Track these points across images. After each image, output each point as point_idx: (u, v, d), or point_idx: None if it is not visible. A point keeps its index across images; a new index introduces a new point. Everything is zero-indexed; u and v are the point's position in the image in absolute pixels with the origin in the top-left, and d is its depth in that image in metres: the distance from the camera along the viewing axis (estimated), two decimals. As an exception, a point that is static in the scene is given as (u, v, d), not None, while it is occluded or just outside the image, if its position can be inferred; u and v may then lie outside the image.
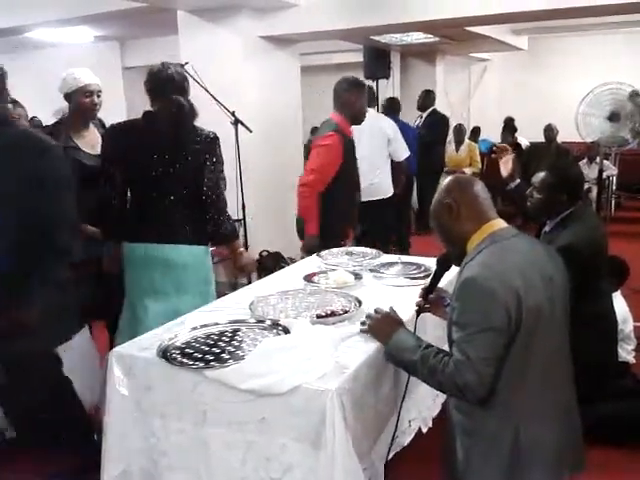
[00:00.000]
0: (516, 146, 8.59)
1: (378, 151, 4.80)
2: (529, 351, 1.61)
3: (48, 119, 2.89)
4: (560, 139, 7.97)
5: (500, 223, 1.77)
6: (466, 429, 1.70)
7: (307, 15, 4.80)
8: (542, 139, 7.94)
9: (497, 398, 1.62)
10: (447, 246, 1.88)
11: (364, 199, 3.98)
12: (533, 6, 4.22)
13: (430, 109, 7.04)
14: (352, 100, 3.46)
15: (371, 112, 5.39)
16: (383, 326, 1.88)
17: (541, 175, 2.74)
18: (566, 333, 1.75)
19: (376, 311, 1.97)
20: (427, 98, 7.05)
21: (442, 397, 2.33)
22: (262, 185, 4.90)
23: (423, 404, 2.27)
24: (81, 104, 2.95)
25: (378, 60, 7.57)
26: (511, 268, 1.61)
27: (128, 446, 1.86)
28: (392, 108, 6.24)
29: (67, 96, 2.98)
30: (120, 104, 8.08)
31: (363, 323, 1.96)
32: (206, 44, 4.87)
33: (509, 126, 8.82)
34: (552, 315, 1.66)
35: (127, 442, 1.86)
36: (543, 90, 10.15)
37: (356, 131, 3.72)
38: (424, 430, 2.21)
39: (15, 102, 3.60)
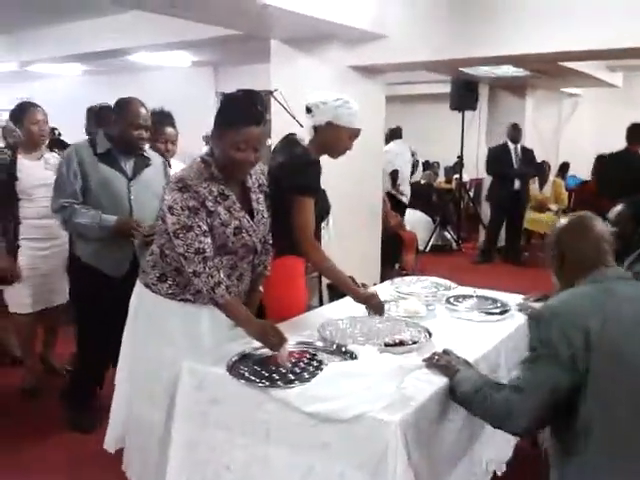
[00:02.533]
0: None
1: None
2: (607, 404, 1.49)
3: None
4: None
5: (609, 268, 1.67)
6: None
7: (396, 46, 4.83)
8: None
9: (574, 451, 1.53)
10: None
11: None
12: (629, 43, 4.07)
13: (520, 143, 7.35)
14: None
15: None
16: (449, 363, 1.85)
17: (617, 209, 2.64)
18: None
19: (444, 352, 1.94)
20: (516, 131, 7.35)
21: (514, 440, 2.25)
22: (340, 211, 4.93)
23: (497, 445, 2.18)
24: (340, 144, 2.54)
25: (465, 91, 7.54)
26: (591, 308, 1.55)
27: (192, 457, 1.92)
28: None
29: (329, 124, 2.44)
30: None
31: (429, 359, 1.92)
32: (296, 72, 4.99)
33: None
34: None
35: (192, 453, 1.92)
36: (639, 128, 9.72)
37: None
38: (499, 473, 2.13)
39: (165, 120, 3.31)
